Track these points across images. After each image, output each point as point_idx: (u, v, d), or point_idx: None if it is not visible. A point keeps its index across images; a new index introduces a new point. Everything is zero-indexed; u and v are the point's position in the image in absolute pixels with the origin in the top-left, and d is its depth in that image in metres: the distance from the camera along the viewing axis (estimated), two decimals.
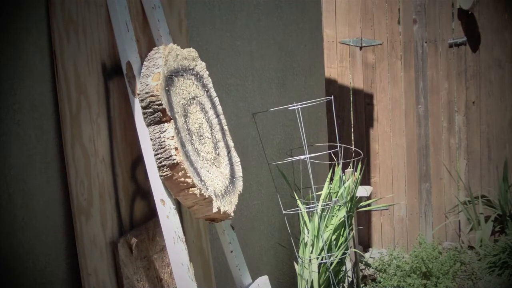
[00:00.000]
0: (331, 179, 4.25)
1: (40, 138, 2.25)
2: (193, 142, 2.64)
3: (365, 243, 5.90)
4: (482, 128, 5.73)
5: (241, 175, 2.95)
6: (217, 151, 2.80)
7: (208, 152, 2.74)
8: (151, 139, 2.49)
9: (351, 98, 5.81)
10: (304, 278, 3.96)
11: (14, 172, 2.14)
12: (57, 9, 2.31)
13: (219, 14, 3.53)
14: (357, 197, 4.31)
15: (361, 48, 5.54)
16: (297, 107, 3.83)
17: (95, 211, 2.41)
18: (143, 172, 2.58)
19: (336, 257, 3.97)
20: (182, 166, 2.45)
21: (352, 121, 5.80)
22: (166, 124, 2.47)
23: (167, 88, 2.54)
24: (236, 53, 3.71)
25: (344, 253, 4.06)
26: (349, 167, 4.38)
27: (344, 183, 4.14)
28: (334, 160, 4.37)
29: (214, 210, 2.61)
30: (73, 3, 2.39)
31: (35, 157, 2.22)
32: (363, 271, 5.29)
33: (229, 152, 2.89)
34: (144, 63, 2.57)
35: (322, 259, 3.91)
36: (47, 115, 2.28)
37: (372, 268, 5.30)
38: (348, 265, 4.56)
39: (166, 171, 2.46)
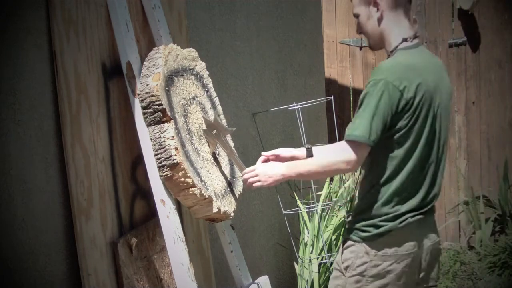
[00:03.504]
0: (331, 179, 4.25)
1: (40, 138, 2.25)
2: (193, 142, 2.64)
3: None
4: (482, 128, 5.72)
5: (241, 175, 2.95)
6: (217, 151, 2.80)
7: (208, 152, 2.74)
8: (151, 139, 2.49)
9: (351, 98, 5.80)
10: (304, 278, 3.96)
11: (14, 172, 2.14)
12: (57, 9, 2.31)
13: (219, 14, 3.53)
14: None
15: (361, 48, 5.53)
16: (297, 107, 3.82)
17: (95, 211, 2.41)
18: (143, 172, 2.58)
19: (336, 257, 3.96)
20: (182, 166, 2.45)
21: None
22: (166, 124, 2.47)
23: (167, 88, 2.53)
24: (236, 53, 3.71)
25: None
26: None
27: (344, 183, 4.14)
28: None
29: (214, 210, 2.60)
30: (73, 3, 2.39)
31: (35, 157, 2.22)
32: None
33: None
34: (144, 63, 2.57)
35: (322, 259, 3.91)
36: (47, 115, 2.28)
37: None
38: None
39: (166, 171, 2.46)
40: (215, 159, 2.78)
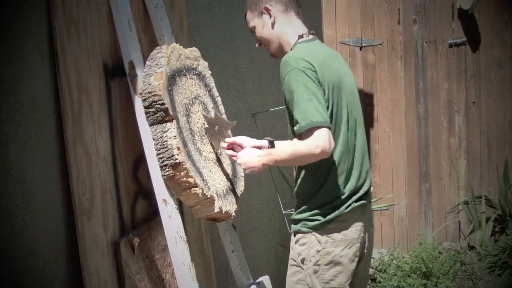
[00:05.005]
0: None
1: (40, 138, 2.24)
2: (195, 141, 2.63)
3: None
4: (482, 128, 5.73)
5: (243, 174, 2.94)
6: (219, 151, 2.80)
7: (210, 151, 2.73)
8: (153, 139, 2.48)
9: None
10: None
11: (14, 172, 2.13)
12: (58, 9, 2.30)
13: (219, 14, 3.52)
14: None
15: (361, 48, 5.52)
16: None
17: (96, 210, 2.40)
18: (145, 171, 2.58)
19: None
20: (184, 166, 2.44)
21: None
22: (168, 124, 2.46)
23: (169, 88, 2.53)
24: (236, 53, 3.70)
25: None
26: None
27: None
28: None
29: (216, 210, 2.60)
30: (74, 2, 2.38)
31: (35, 157, 2.21)
32: None
33: None
34: (147, 62, 2.56)
35: None
36: (47, 115, 2.27)
37: (372, 268, 5.30)
38: None
39: (168, 171, 2.45)
40: (217, 159, 2.77)
